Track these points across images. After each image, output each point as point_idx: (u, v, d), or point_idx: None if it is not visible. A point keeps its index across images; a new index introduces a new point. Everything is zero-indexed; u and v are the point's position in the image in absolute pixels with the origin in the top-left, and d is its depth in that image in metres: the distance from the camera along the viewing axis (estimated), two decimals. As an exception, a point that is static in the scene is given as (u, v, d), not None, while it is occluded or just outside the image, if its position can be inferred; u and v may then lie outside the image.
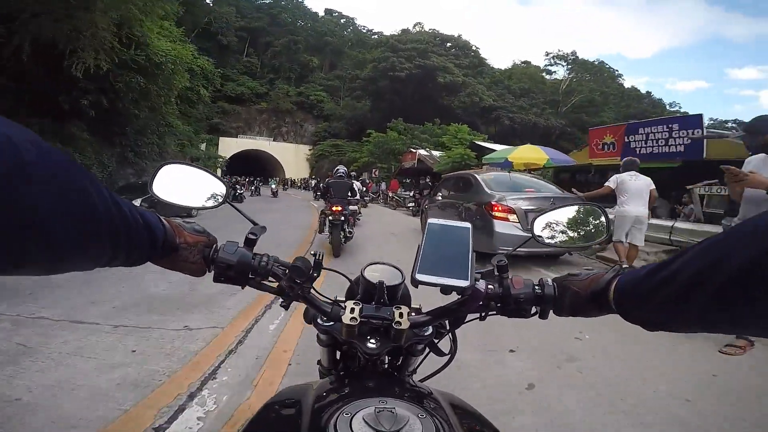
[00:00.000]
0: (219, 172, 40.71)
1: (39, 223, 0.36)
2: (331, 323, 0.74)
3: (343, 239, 6.63)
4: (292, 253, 6.86)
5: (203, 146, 40.78)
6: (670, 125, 8.52)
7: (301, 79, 56.12)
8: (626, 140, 9.39)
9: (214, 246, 0.71)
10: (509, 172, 6.93)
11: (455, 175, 7.88)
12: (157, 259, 0.63)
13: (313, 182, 32.05)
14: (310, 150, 48.25)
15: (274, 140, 49.31)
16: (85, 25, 10.70)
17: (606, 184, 5.54)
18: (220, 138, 44.24)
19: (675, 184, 8.42)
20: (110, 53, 12.05)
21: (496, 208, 5.26)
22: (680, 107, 56.72)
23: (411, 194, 17.97)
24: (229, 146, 44.16)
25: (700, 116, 8.30)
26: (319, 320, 0.75)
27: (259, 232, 0.75)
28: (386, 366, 0.83)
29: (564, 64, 52.43)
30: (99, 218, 0.43)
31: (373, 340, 0.70)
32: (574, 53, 51.72)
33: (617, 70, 56.53)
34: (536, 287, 0.71)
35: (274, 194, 25.42)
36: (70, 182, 0.39)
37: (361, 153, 32.98)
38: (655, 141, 8.75)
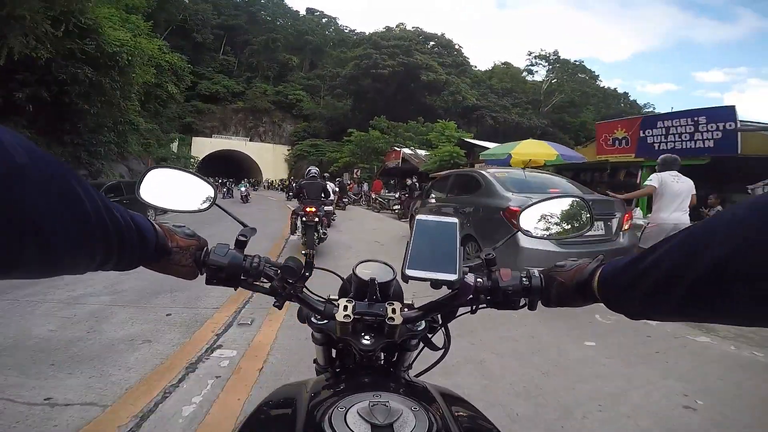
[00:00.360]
0: (191, 173, 38.91)
1: (36, 226, 0.36)
2: (325, 321, 0.73)
3: (316, 240, 6.39)
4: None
5: (174, 146, 39.01)
6: (695, 118, 7.50)
7: (279, 78, 54.26)
8: (641, 135, 8.36)
9: (205, 249, 0.71)
10: (523, 169, 5.64)
11: (455, 173, 6.59)
12: (148, 263, 0.63)
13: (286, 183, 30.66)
14: (288, 150, 46.03)
15: (250, 140, 47.10)
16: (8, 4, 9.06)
17: (647, 183, 4.57)
18: (193, 138, 42.27)
19: (702, 183, 7.38)
20: (44, 39, 10.41)
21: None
22: (654, 108, 56.77)
23: (396, 196, 16.61)
24: (202, 146, 42.14)
25: (732, 108, 7.27)
26: (313, 319, 0.75)
27: (249, 234, 0.75)
28: (381, 362, 0.82)
29: (545, 64, 51.94)
30: (92, 222, 0.43)
31: (367, 337, 0.70)
32: (556, 53, 51.31)
33: (594, 71, 56.62)
34: (524, 279, 0.70)
35: (245, 199, 20.88)
36: (65, 186, 0.40)
37: (342, 153, 31.50)
38: (677, 136, 7.72)
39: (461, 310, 0.75)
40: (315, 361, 0.93)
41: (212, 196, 0.84)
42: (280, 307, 0.74)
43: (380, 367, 0.80)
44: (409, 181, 15.73)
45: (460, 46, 53.87)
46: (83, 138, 14.90)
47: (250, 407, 2.18)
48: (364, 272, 0.76)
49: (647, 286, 0.46)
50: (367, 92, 40.62)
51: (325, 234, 6.84)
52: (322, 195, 6.64)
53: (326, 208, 6.90)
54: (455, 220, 0.72)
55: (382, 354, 0.82)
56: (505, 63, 58.45)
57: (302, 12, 66.86)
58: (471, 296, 0.69)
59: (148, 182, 0.81)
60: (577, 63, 53.56)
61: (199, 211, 0.83)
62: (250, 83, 52.05)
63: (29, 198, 0.35)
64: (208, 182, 0.86)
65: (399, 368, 0.81)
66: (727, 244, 0.37)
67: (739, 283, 0.36)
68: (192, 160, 35.19)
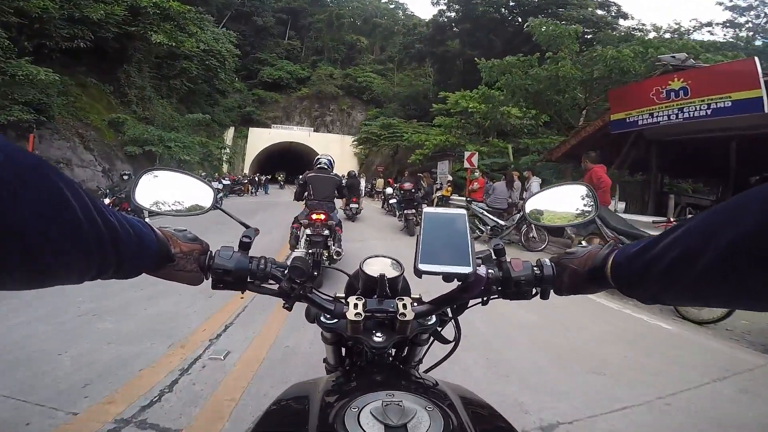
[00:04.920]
0: (247, 168, 30.27)
1: (17, 231, 0.31)
2: (335, 321, 0.68)
3: (326, 261, 4.09)
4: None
5: (229, 138, 30.07)
6: None
7: (348, 62, 44.15)
8: None
9: (209, 252, 0.65)
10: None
11: None
12: (151, 270, 0.57)
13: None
14: (355, 141, 34.54)
15: (315, 130, 36.90)
16: None
17: None
18: (250, 129, 33.16)
19: None
20: None
21: None
22: None
23: None
24: (259, 139, 33.04)
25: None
26: (322, 318, 0.69)
27: (253, 235, 0.68)
28: (392, 358, 0.76)
29: (736, 16, 30.40)
30: (80, 225, 0.37)
31: (379, 334, 0.64)
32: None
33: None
34: (535, 268, 0.64)
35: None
36: (48, 186, 0.34)
37: (427, 134, 19.68)
38: None
39: (472, 301, 0.69)
40: (325, 360, 0.87)
41: (212, 198, 0.76)
42: (289, 309, 0.68)
43: (391, 364, 0.74)
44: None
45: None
46: None
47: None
48: (372, 268, 0.69)
49: (661, 269, 0.42)
50: (454, 56, 27.82)
51: (338, 254, 4.33)
52: (336, 194, 4.49)
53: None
54: (463, 211, 0.65)
55: (393, 350, 0.74)
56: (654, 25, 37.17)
57: (368, -2, 54.88)
58: (483, 288, 0.64)
59: (144, 185, 0.72)
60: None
61: (199, 213, 0.75)
62: (316, 67, 42.19)
63: (6, 200, 0.30)
64: (207, 184, 0.78)
65: (410, 364, 0.76)
66: (741, 225, 0.33)
67: (752, 263, 0.32)
68: (224, 150, 25.65)
